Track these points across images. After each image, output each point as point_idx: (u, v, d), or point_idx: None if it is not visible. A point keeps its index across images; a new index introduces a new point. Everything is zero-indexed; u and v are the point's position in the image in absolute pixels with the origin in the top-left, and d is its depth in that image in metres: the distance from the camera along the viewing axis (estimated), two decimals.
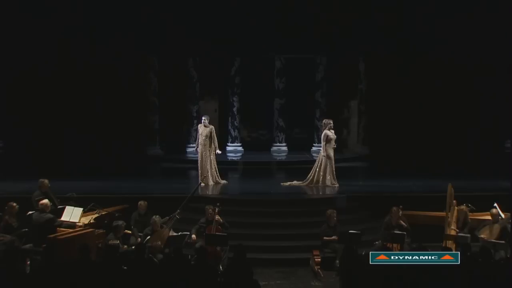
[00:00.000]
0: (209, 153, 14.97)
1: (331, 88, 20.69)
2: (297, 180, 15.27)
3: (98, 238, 11.02)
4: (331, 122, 14.96)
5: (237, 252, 9.03)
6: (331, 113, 18.83)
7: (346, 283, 8.81)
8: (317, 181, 14.82)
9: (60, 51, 17.71)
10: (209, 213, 11.67)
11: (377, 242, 11.53)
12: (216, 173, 15.20)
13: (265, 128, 21.85)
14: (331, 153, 14.78)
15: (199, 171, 15.00)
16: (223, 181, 15.25)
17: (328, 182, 14.72)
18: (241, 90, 20.68)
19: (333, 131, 14.95)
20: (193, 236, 11.58)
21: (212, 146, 15.02)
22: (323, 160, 14.78)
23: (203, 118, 15.19)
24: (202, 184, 14.33)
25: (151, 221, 11.44)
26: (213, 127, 15.17)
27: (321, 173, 14.77)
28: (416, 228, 11.82)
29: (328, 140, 14.76)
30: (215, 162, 15.15)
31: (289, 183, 15.29)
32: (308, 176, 15.02)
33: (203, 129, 15.01)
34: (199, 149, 15.01)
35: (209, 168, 14.96)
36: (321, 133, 15.12)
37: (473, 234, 11.31)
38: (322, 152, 14.82)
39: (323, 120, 15.56)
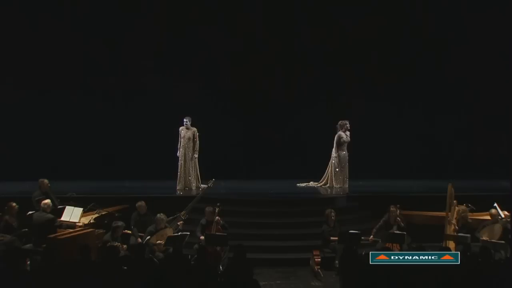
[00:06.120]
0: (192, 156, 14.53)
1: None
2: (313, 181, 15.29)
3: (98, 238, 11.04)
4: (348, 123, 14.59)
5: (237, 252, 9.02)
6: None
7: (346, 283, 8.81)
8: (331, 182, 14.77)
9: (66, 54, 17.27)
10: (209, 214, 11.65)
11: (364, 240, 11.48)
12: (198, 177, 14.69)
13: None
14: (343, 155, 14.63)
15: (179, 175, 14.54)
16: (204, 185, 14.23)
17: (335, 184, 14.68)
18: None
19: (348, 133, 14.61)
20: (201, 237, 11.37)
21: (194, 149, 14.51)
22: (335, 161, 14.69)
23: (184, 119, 14.50)
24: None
25: (156, 218, 11.33)
26: (195, 129, 14.54)
27: (333, 174, 14.72)
28: (416, 228, 11.83)
29: (341, 142, 14.57)
30: (197, 165, 14.64)
31: (305, 184, 15.29)
32: (323, 177, 15.02)
33: (185, 131, 14.49)
34: (181, 153, 14.53)
35: (193, 171, 14.59)
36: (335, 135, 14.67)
37: (473, 234, 11.32)
38: (334, 153, 14.69)
39: (339, 121, 14.71)
